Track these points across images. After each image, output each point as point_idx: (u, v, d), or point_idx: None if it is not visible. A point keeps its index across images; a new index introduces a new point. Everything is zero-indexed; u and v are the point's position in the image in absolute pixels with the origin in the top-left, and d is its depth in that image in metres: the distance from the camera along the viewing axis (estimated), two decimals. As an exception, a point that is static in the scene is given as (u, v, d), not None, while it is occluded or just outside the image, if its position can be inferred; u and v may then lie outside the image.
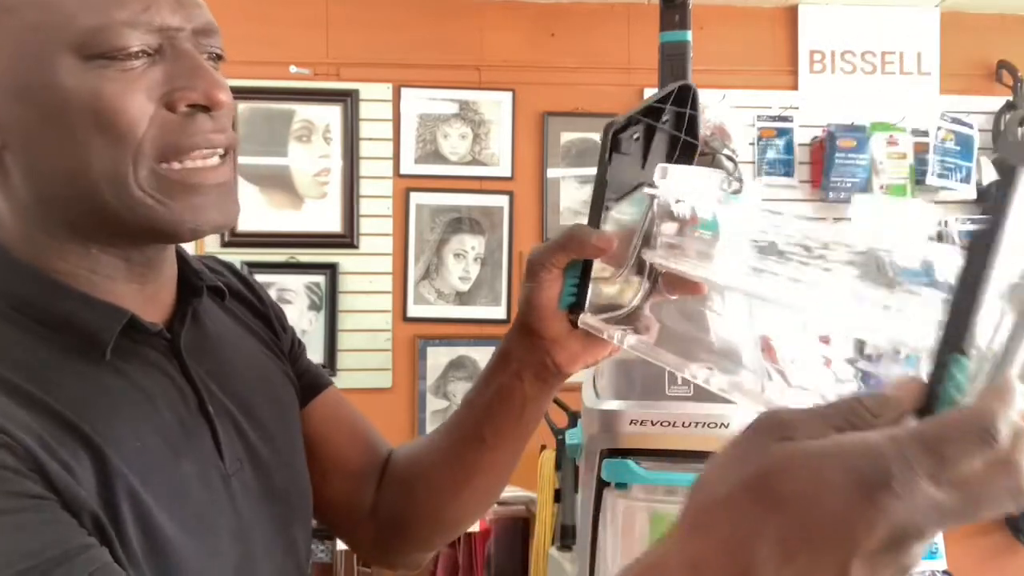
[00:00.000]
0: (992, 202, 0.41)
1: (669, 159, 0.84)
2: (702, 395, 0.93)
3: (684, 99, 0.82)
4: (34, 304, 0.71)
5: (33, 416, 0.65)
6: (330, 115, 3.07)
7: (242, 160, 0.89)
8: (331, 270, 3.05)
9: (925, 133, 3.13)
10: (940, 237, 3.11)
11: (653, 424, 0.92)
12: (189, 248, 0.87)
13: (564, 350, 0.83)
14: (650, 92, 3.09)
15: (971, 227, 3.14)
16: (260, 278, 1.02)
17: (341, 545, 2.60)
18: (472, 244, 3.12)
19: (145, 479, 0.69)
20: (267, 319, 0.94)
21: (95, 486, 0.66)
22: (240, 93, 2.82)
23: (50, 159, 0.70)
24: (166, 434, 0.73)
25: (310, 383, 0.95)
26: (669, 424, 0.92)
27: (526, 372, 0.85)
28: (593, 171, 0.78)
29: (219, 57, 0.75)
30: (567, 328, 0.83)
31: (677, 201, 0.77)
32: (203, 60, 0.72)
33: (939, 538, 2.21)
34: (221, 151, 0.74)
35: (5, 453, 0.62)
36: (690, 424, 0.91)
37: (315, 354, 2.37)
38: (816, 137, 3.15)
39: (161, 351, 0.77)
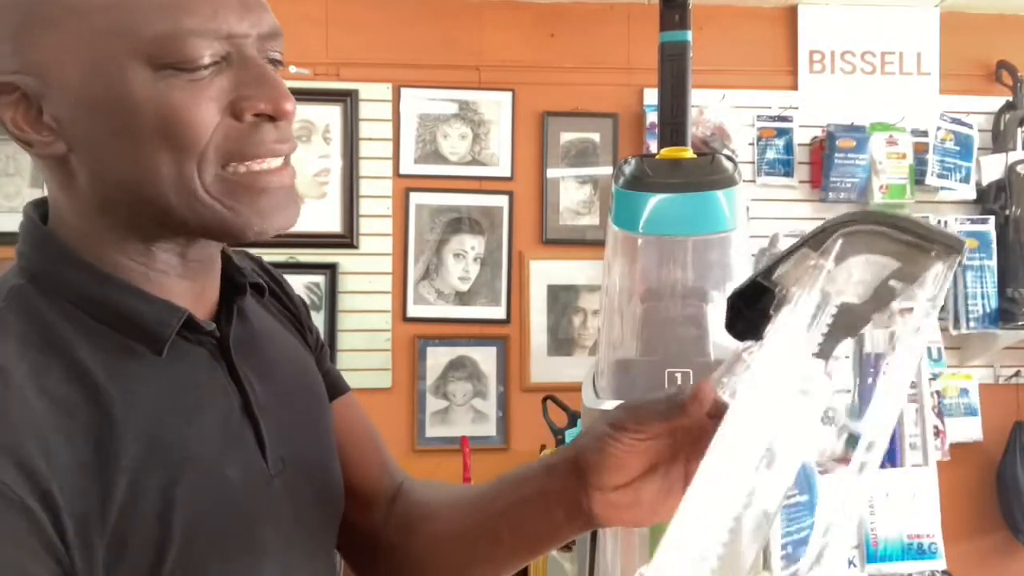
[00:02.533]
0: None
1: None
2: (702, 395, 0.93)
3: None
4: (91, 299, 0.71)
5: (74, 428, 0.64)
6: (330, 115, 3.07)
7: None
8: (331, 270, 3.05)
9: (925, 133, 3.13)
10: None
11: (653, 424, 0.92)
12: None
13: (610, 506, 0.79)
14: (650, 92, 3.09)
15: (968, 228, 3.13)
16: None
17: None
18: (472, 244, 3.12)
19: (195, 486, 0.69)
20: (297, 316, 0.93)
21: (130, 503, 0.65)
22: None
23: (117, 166, 0.70)
24: (212, 438, 0.73)
25: (329, 385, 0.94)
26: (669, 424, 0.92)
27: (559, 511, 0.81)
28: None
29: (279, 62, 0.75)
30: (621, 485, 0.78)
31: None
32: (268, 67, 0.73)
33: (938, 538, 2.21)
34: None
35: (16, 516, 0.59)
36: (690, 424, 0.91)
37: (315, 354, 2.36)
38: (816, 137, 3.15)
39: (209, 349, 0.76)
